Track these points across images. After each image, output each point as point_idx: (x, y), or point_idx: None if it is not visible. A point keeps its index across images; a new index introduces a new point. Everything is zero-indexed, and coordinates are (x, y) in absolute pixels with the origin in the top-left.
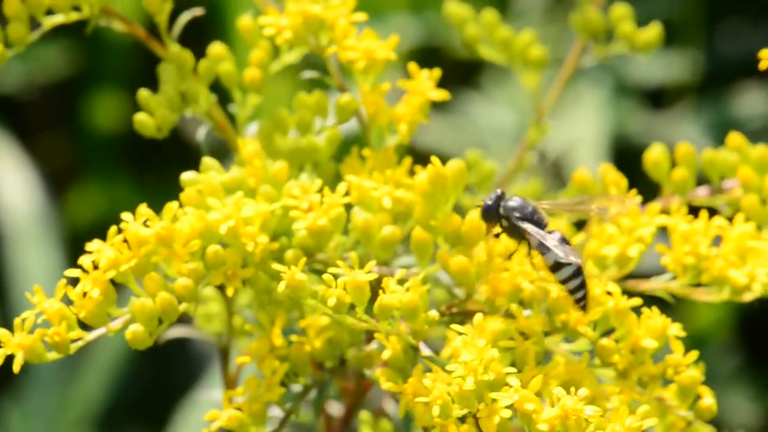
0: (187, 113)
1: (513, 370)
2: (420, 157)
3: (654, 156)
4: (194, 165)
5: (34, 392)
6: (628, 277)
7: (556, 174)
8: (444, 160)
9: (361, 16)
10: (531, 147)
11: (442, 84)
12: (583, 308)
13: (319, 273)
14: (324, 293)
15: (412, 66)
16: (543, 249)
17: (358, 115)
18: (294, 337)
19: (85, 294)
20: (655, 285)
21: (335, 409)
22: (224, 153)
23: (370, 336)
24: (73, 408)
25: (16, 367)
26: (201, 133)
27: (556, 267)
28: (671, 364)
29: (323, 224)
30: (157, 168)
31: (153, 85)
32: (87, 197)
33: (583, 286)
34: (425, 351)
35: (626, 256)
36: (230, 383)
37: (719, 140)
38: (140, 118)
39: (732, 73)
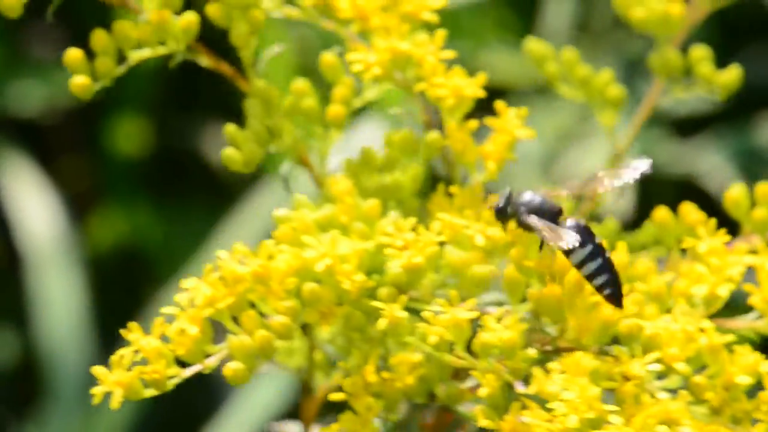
0: (272, 148)
1: (615, 408)
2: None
3: (734, 195)
4: (213, 189)
5: (57, 417)
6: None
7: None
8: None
9: (450, 54)
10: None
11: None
12: (615, 301)
13: (412, 310)
14: (424, 331)
15: (500, 104)
16: (549, 239)
17: (444, 151)
18: (386, 374)
19: (182, 331)
20: (742, 323)
21: None
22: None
23: (458, 372)
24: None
25: (115, 404)
26: (285, 169)
27: (568, 254)
28: (765, 401)
29: (419, 262)
30: (177, 192)
31: (172, 110)
32: (108, 221)
33: (604, 270)
34: (520, 388)
35: (716, 296)
36: (309, 417)
37: (743, 169)
38: (228, 153)
39: (755, 100)
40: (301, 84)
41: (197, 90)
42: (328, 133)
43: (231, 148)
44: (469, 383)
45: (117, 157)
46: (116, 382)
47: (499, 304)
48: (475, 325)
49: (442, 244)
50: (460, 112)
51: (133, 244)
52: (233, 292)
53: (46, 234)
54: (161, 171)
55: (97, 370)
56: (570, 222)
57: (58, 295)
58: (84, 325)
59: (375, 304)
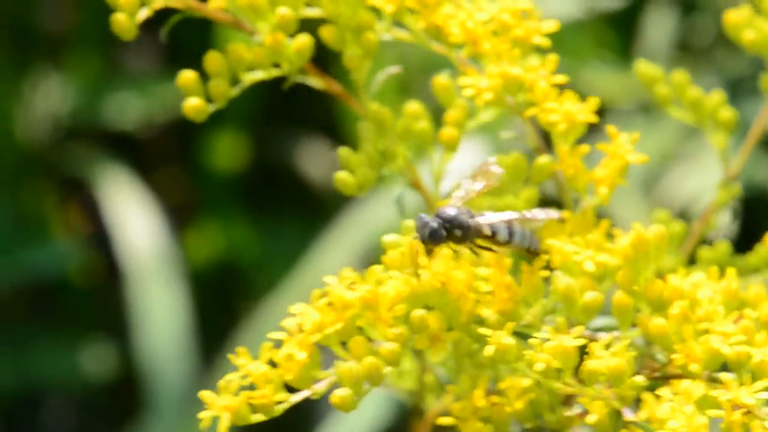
0: (385, 171)
1: None
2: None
3: None
4: (308, 203)
5: (157, 428)
6: None
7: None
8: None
9: (561, 78)
10: (719, 208)
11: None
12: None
13: (521, 335)
14: (531, 358)
15: (611, 128)
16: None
17: (555, 176)
18: (495, 398)
19: (290, 356)
20: None
21: None
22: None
23: (567, 398)
24: None
25: (223, 430)
26: (396, 192)
27: (492, 237)
28: None
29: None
30: (273, 207)
31: (268, 125)
32: (204, 236)
33: (513, 233)
34: (629, 416)
35: None
36: None
37: None
38: (341, 176)
39: None
40: (414, 106)
41: (293, 105)
42: (440, 156)
43: (344, 171)
44: (577, 409)
45: (214, 171)
46: (224, 407)
47: (609, 329)
48: (584, 351)
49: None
50: (573, 136)
51: (229, 257)
52: (342, 318)
53: (147, 247)
54: (257, 185)
55: (205, 394)
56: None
57: (160, 309)
58: (185, 339)
59: (483, 330)
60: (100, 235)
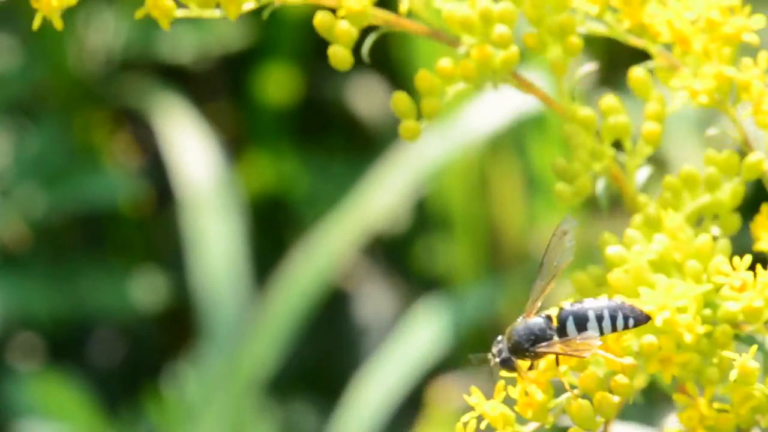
0: (594, 170)
1: None
2: None
3: None
4: (358, 139)
5: (211, 357)
6: None
7: None
8: None
9: None
10: None
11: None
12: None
13: (739, 338)
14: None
15: None
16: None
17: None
18: (718, 405)
19: (527, 394)
20: None
21: None
22: None
23: None
24: (246, 373)
25: None
26: (600, 186)
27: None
28: None
29: (759, 306)
30: (322, 142)
31: (319, 60)
32: (254, 169)
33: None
34: None
35: None
36: None
37: None
38: (560, 188)
39: None
40: (610, 100)
41: None
42: (637, 150)
43: (562, 183)
44: None
45: (264, 105)
46: None
47: None
48: None
49: None
50: None
51: (278, 191)
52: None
53: (202, 177)
54: (308, 121)
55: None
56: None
57: (215, 238)
58: (239, 269)
59: (724, 354)
60: (151, 165)
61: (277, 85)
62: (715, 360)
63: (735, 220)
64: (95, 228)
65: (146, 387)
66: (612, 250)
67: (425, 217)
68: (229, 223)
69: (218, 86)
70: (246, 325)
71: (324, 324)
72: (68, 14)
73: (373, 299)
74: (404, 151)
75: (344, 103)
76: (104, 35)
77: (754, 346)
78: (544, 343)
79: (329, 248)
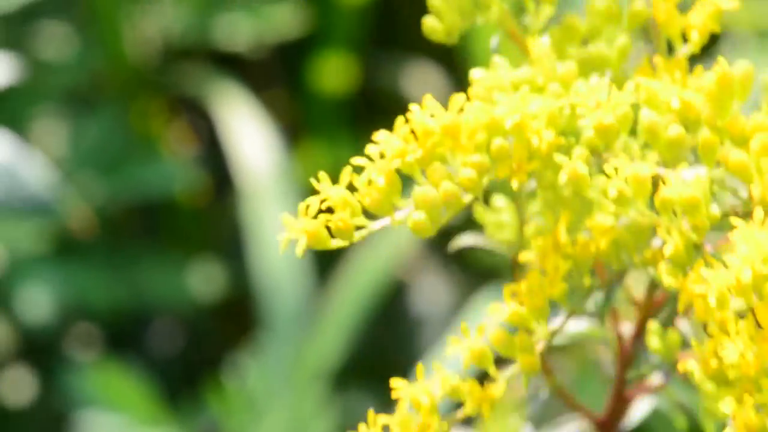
0: (479, 20)
1: None
2: None
3: None
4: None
5: (272, 347)
6: None
7: None
8: None
9: None
10: None
11: None
12: None
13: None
14: (604, 185)
15: None
16: None
17: (647, 23)
18: (579, 238)
19: (370, 182)
20: None
21: (625, 328)
22: None
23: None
24: (308, 364)
25: (299, 252)
26: (494, 42)
27: None
28: None
29: (610, 122)
30: (379, 129)
31: (378, 48)
32: (310, 157)
33: None
34: (707, 247)
35: None
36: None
37: None
38: (429, 22)
39: None
40: None
41: (403, 28)
42: (540, 9)
43: (433, 17)
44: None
45: (320, 93)
46: (303, 230)
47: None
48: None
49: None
50: None
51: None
52: (422, 146)
53: (261, 165)
54: (364, 109)
55: (285, 217)
56: None
57: (274, 227)
58: (299, 258)
59: (559, 158)
60: (208, 154)
61: (333, 72)
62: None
63: (621, 75)
64: (152, 217)
65: (206, 378)
66: (474, 73)
67: None
68: (288, 210)
69: (274, 74)
70: (308, 316)
71: (381, 314)
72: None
73: (431, 290)
74: None
75: (401, 91)
76: (161, 22)
77: (585, 153)
78: None
79: (392, 237)
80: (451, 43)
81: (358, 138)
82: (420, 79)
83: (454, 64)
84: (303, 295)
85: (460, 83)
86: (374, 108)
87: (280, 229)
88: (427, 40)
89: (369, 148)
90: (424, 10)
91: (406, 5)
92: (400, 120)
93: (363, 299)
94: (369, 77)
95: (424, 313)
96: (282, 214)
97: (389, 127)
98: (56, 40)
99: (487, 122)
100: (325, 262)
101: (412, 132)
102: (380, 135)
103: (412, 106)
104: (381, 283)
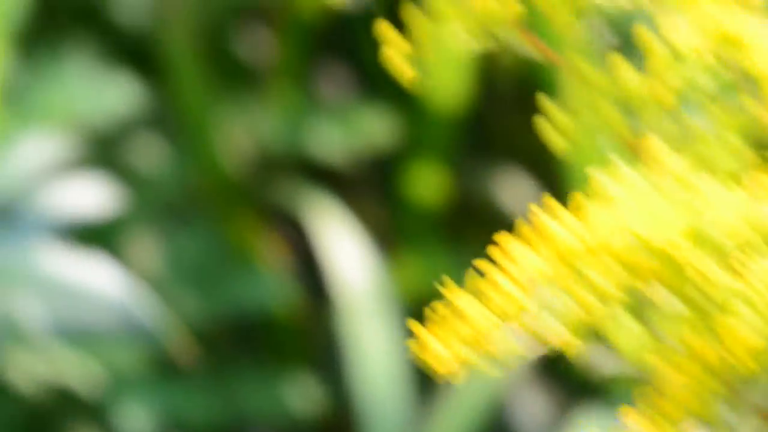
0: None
1: None
2: None
3: None
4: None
5: None
6: None
7: None
8: None
9: None
10: None
11: None
12: None
13: None
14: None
15: None
16: None
17: None
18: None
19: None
20: None
21: None
22: None
23: None
24: None
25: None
26: (604, 146)
27: None
28: None
29: None
30: (474, 240)
31: (468, 157)
32: (405, 270)
33: None
34: None
35: None
36: None
37: None
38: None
39: None
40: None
41: (493, 136)
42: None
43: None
44: None
45: (413, 203)
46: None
47: None
48: None
49: None
50: None
51: (431, 291)
52: (566, 265)
53: (358, 278)
54: (457, 218)
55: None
56: None
57: (374, 342)
58: (400, 375)
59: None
60: (303, 267)
61: (425, 182)
62: None
63: None
64: (249, 331)
65: None
66: (602, 180)
67: None
68: (386, 325)
69: (366, 184)
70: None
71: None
72: (216, 110)
73: (529, 404)
74: None
75: (495, 200)
76: (252, 131)
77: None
78: None
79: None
80: (544, 152)
81: (453, 249)
82: (513, 187)
83: (547, 171)
84: (404, 412)
85: (553, 189)
86: (467, 217)
87: (381, 345)
88: (519, 147)
89: (505, 266)
90: (514, 116)
91: (497, 112)
92: (503, 234)
93: (467, 421)
94: (462, 186)
95: (523, 427)
96: (381, 331)
97: (484, 237)
98: (150, 156)
99: (634, 243)
100: (423, 377)
101: (552, 248)
102: (517, 251)
103: (550, 223)
104: (486, 402)
